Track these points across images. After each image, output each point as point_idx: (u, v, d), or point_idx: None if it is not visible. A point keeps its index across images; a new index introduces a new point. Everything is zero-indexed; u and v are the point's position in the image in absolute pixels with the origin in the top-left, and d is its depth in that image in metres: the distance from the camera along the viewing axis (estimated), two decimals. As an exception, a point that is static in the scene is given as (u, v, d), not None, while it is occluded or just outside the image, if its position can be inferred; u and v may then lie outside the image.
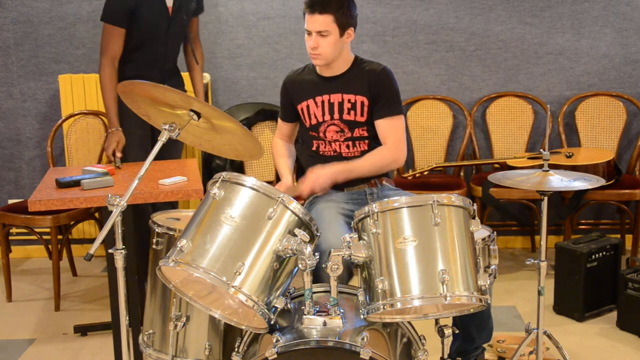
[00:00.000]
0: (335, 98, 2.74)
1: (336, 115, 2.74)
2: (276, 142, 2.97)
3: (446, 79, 4.42)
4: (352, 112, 2.73)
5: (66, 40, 4.36)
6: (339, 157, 2.75)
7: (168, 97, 2.11)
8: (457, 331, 2.22)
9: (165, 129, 2.14)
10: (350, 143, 2.75)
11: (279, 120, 2.96)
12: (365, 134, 2.75)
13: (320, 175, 2.65)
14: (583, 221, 4.54)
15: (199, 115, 2.13)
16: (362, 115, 2.73)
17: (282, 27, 4.37)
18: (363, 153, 2.75)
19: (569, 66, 4.39)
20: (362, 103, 2.73)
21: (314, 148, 2.81)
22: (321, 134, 2.77)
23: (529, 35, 4.36)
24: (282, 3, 4.35)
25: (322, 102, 2.75)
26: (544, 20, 4.34)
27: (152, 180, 2.87)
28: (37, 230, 3.84)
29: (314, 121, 2.77)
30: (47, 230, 3.80)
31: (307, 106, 2.77)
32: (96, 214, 3.99)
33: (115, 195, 2.06)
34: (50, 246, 3.81)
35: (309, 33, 2.69)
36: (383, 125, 2.73)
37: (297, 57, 4.40)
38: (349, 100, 2.73)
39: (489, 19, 4.35)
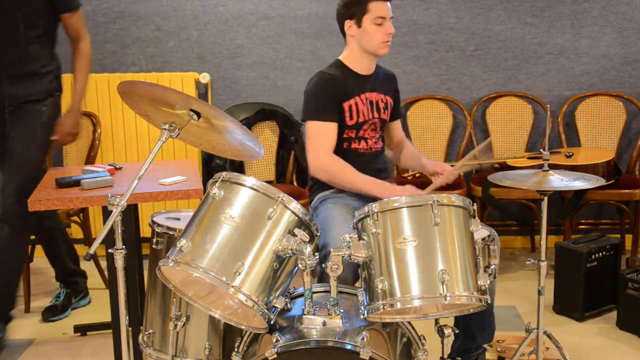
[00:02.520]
0: (373, 96, 2.79)
1: (376, 114, 2.79)
2: (338, 160, 2.66)
3: (446, 79, 4.43)
4: (386, 112, 2.84)
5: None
6: (373, 154, 2.80)
7: (168, 97, 2.11)
8: (457, 331, 2.22)
9: (165, 129, 2.14)
10: (378, 139, 2.84)
11: (324, 124, 2.65)
12: (383, 132, 2.88)
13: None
14: (583, 221, 4.55)
15: (198, 115, 2.13)
16: (389, 115, 2.87)
17: (282, 26, 4.37)
18: (382, 148, 2.88)
19: (568, 66, 4.39)
20: (390, 104, 2.86)
21: (344, 146, 2.75)
22: (361, 132, 2.76)
23: (529, 35, 4.36)
24: (282, 3, 4.35)
25: (366, 99, 2.76)
26: (544, 20, 4.34)
27: (152, 180, 2.86)
28: None
29: (361, 119, 2.74)
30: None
31: (356, 104, 2.72)
32: (79, 216, 3.97)
33: (115, 195, 2.06)
34: None
35: (381, 22, 2.64)
36: (398, 127, 3.00)
37: (296, 57, 4.40)
38: (382, 100, 2.81)
39: (488, 19, 4.35)
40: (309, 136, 2.69)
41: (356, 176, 2.63)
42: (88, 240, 4.17)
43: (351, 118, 2.72)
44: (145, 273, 2.67)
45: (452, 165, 2.80)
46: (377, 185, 2.61)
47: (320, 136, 2.67)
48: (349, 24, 2.70)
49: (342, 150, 2.75)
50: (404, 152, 3.00)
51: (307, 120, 2.69)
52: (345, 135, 2.74)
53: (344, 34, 2.76)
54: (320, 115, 2.66)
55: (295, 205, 2.04)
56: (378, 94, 2.79)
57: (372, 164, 2.78)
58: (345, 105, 2.71)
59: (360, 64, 2.76)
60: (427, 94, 4.43)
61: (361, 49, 2.72)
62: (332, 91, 2.68)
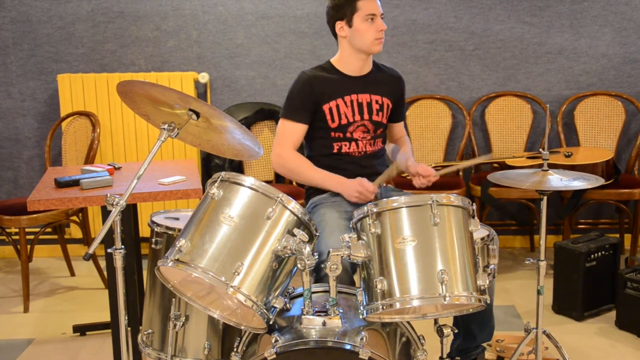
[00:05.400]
0: (364, 98, 2.74)
1: (366, 116, 2.74)
2: (295, 155, 2.70)
3: (445, 79, 4.43)
4: (380, 114, 2.78)
5: (65, 39, 4.36)
6: (365, 156, 2.77)
7: (167, 97, 2.11)
8: (456, 330, 2.22)
9: (164, 129, 2.14)
10: (372, 142, 2.79)
11: (291, 124, 2.69)
12: (380, 134, 2.81)
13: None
14: (582, 221, 4.55)
15: (198, 114, 2.13)
16: (385, 117, 2.81)
17: (281, 26, 4.37)
18: (380, 150, 2.83)
19: (568, 66, 4.39)
20: (388, 106, 2.80)
21: (334, 150, 2.74)
22: (348, 134, 2.73)
23: (528, 34, 4.36)
24: (282, 2, 4.35)
25: (352, 101, 2.72)
26: (543, 19, 4.34)
27: (151, 179, 2.86)
28: (7, 230, 3.82)
29: (343, 121, 2.71)
30: (17, 230, 3.74)
31: (337, 105, 2.70)
32: (77, 216, 3.97)
33: (115, 194, 2.06)
34: (19, 246, 3.72)
35: (372, 18, 2.63)
36: (399, 127, 2.96)
37: (295, 56, 4.40)
38: (377, 102, 2.76)
39: (488, 19, 4.35)
40: (276, 133, 2.75)
41: (310, 171, 2.68)
42: (87, 240, 4.17)
43: (333, 120, 2.70)
44: (145, 273, 2.67)
45: (435, 167, 2.77)
46: (329, 179, 2.66)
47: (285, 134, 2.70)
48: (340, 25, 2.68)
49: (332, 155, 2.74)
50: (400, 151, 2.98)
51: (280, 117, 2.74)
52: (333, 135, 2.72)
53: (335, 35, 2.74)
54: (290, 115, 2.69)
55: (294, 205, 2.04)
56: (372, 95, 2.75)
57: (367, 167, 2.76)
58: (325, 107, 2.69)
59: (351, 65, 2.73)
60: (426, 93, 4.43)
61: (353, 49, 2.70)
62: (307, 92, 2.68)
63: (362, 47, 2.68)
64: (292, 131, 2.70)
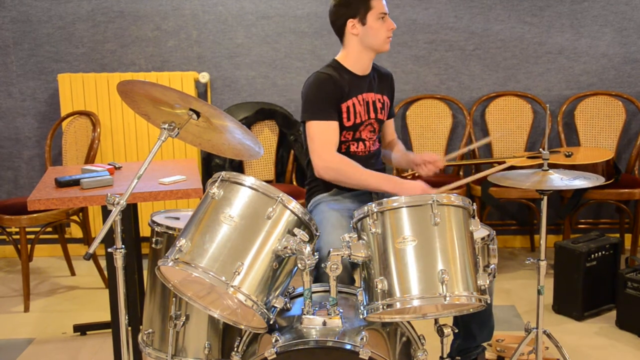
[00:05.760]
0: (370, 97, 2.76)
1: (372, 115, 2.76)
2: (340, 155, 2.62)
3: (445, 79, 4.43)
4: (383, 112, 2.81)
5: (65, 39, 4.36)
6: (369, 155, 2.77)
7: (167, 96, 2.11)
8: (456, 330, 2.21)
9: (164, 129, 2.14)
10: (374, 141, 2.81)
11: (325, 123, 2.61)
12: (379, 132, 2.85)
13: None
14: (582, 220, 4.55)
15: (198, 114, 2.13)
16: (386, 115, 2.85)
17: (281, 26, 4.37)
18: (379, 149, 2.85)
19: (568, 65, 4.39)
20: (387, 103, 2.85)
21: (342, 150, 2.72)
22: (357, 134, 2.73)
23: (529, 34, 4.36)
24: (282, 2, 4.35)
25: (363, 100, 2.74)
26: (544, 19, 4.34)
27: (151, 179, 2.86)
28: (8, 230, 3.81)
29: (357, 120, 2.71)
30: (17, 230, 3.74)
31: (353, 104, 2.70)
32: (77, 215, 3.97)
33: (115, 194, 2.06)
34: (19, 246, 3.72)
35: (383, 17, 2.66)
36: (391, 126, 3.00)
37: (295, 56, 4.40)
38: (379, 100, 2.79)
39: (488, 19, 4.35)
40: (311, 137, 2.63)
41: (366, 172, 2.59)
42: (87, 240, 4.17)
43: (348, 119, 2.69)
44: (145, 272, 2.67)
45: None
46: (388, 181, 2.58)
47: (323, 135, 2.60)
48: (352, 23, 2.66)
49: (340, 153, 2.72)
50: (394, 152, 2.98)
51: (308, 120, 2.63)
52: (342, 138, 2.71)
53: (341, 34, 2.73)
54: (322, 115, 2.61)
55: (294, 204, 2.04)
56: (375, 94, 2.78)
57: (370, 165, 2.77)
58: (343, 106, 2.67)
59: (358, 63, 2.73)
60: (427, 93, 4.43)
61: (363, 47, 2.69)
62: (331, 91, 2.63)
63: (374, 45, 2.69)
64: (328, 131, 2.61)
